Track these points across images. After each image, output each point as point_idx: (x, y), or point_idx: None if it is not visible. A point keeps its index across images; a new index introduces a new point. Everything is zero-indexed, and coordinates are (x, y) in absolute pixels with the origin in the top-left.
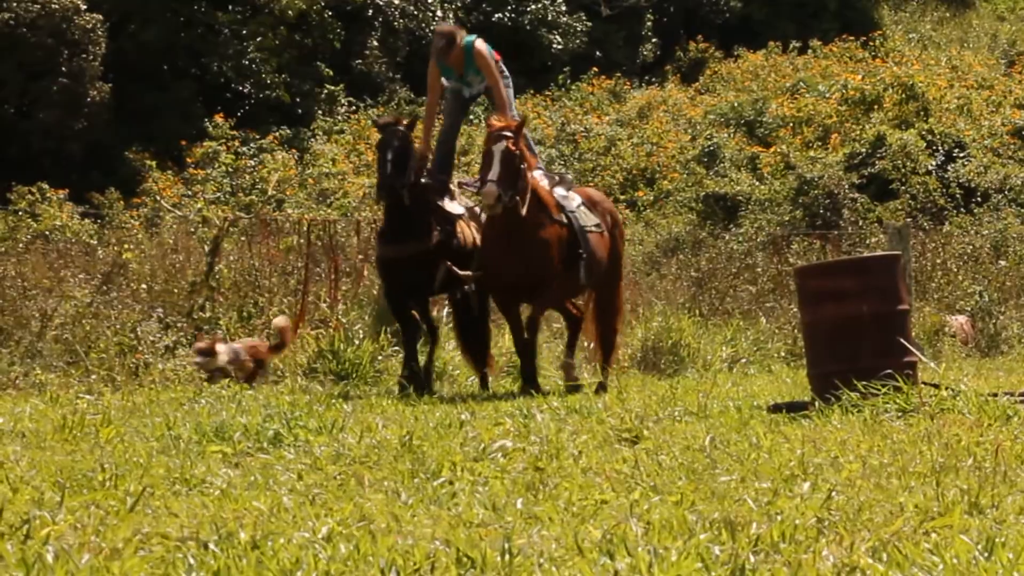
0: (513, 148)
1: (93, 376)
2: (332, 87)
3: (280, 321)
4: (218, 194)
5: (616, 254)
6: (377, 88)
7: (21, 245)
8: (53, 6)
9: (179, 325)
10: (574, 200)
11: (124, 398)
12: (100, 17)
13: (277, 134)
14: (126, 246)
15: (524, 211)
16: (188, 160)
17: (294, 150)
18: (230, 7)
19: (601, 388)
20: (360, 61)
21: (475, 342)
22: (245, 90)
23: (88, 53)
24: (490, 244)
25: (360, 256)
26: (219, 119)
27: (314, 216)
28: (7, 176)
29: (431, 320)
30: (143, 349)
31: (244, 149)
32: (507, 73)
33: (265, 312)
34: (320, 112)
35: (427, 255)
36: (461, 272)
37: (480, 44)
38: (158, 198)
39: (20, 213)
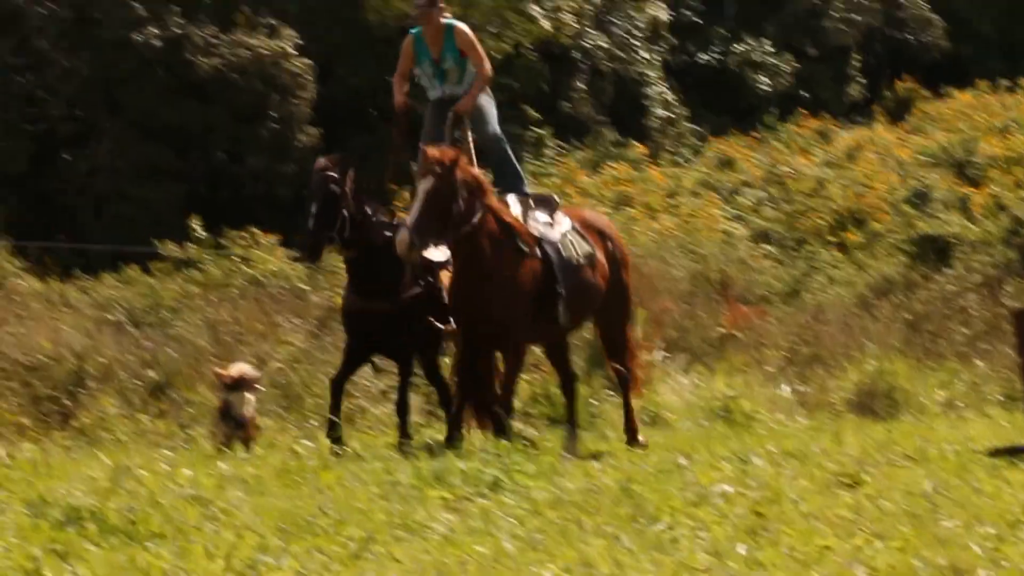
0: (440, 185)
1: (310, 421)
2: (539, 130)
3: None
4: None
5: (620, 286)
6: (584, 130)
7: (235, 290)
8: (262, 51)
9: (392, 370)
10: (560, 226)
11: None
12: (309, 62)
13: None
14: (338, 290)
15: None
16: (396, 204)
17: None
18: None
19: (632, 440)
20: (567, 103)
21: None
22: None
23: (297, 98)
24: (452, 288)
25: None
26: None
27: None
28: (218, 220)
29: (439, 378)
30: (358, 394)
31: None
32: (488, 93)
33: None
34: (527, 155)
35: (400, 311)
36: (444, 327)
37: (463, 25)
38: None
39: (234, 258)
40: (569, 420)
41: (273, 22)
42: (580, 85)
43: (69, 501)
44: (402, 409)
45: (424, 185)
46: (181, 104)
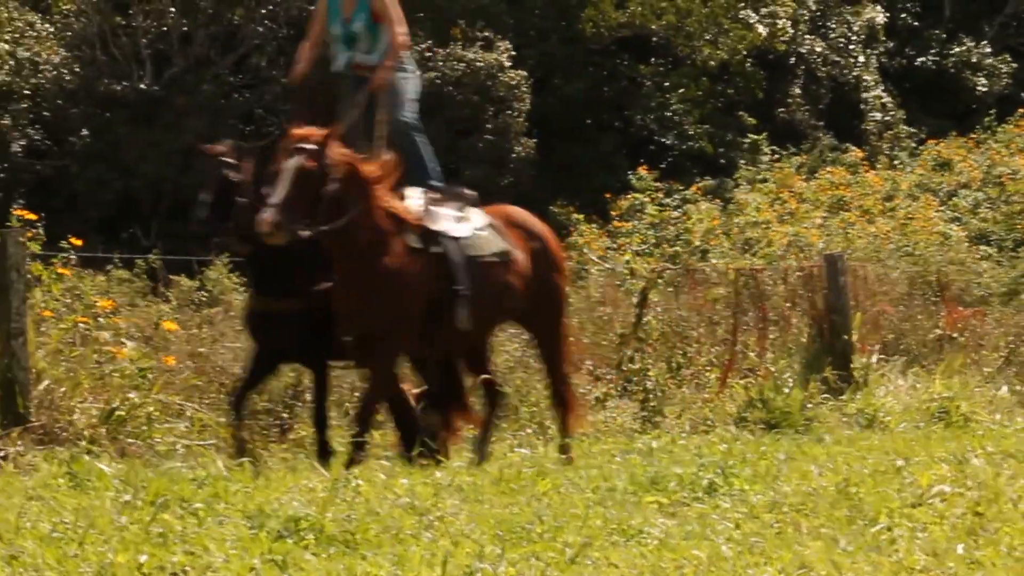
0: (309, 164)
1: (526, 430)
2: (755, 136)
3: None
4: (644, 246)
5: (549, 289)
6: (800, 136)
7: None
8: (478, 64)
9: (608, 377)
10: (471, 222)
11: (557, 450)
12: (524, 74)
13: (700, 184)
14: None
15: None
16: (613, 213)
17: (718, 200)
18: (652, 60)
19: (565, 456)
20: (782, 109)
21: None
22: (668, 142)
23: (513, 109)
24: (333, 290)
25: (788, 304)
26: (643, 171)
27: (740, 265)
28: None
29: (323, 396)
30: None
31: (668, 200)
32: (408, 65)
33: (694, 362)
34: (743, 161)
35: (311, 312)
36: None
37: None
38: (585, 251)
39: None
40: (484, 431)
41: (488, 35)
42: (796, 90)
43: (288, 512)
44: (320, 423)
45: (290, 163)
46: None
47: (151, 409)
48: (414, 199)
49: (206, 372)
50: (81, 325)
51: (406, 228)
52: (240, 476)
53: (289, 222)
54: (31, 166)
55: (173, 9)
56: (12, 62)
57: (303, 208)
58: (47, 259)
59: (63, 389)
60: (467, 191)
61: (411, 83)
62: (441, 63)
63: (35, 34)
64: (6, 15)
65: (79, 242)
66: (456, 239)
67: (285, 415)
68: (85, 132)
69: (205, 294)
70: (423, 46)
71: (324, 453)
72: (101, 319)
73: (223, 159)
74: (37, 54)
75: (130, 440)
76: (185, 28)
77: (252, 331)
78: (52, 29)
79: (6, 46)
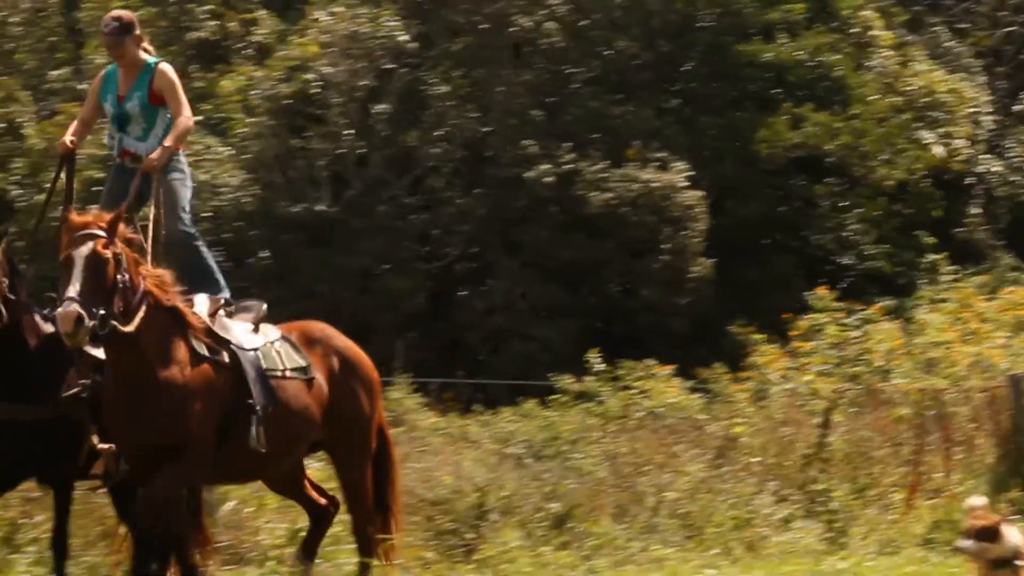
0: (103, 251)
1: (711, 550)
2: (934, 256)
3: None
4: (825, 366)
5: (350, 412)
6: (980, 255)
7: (633, 422)
8: (653, 185)
9: (793, 498)
10: (264, 335)
11: (743, 571)
12: (700, 194)
13: (880, 304)
14: (736, 420)
15: (133, 329)
16: (792, 333)
17: (899, 319)
18: (828, 179)
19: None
20: (961, 229)
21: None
22: (846, 262)
23: (689, 229)
24: (106, 397)
25: (972, 424)
26: (821, 291)
27: (923, 385)
28: (614, 353)
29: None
30: (758, 522)
31: (848, 320)
32: (184, 166)
33: (879, 483)
34: (922, 281)
35: (51, 420)
36: (100, 445)
37: (168, 66)
38: (765, 372)
39: (631, 390)
40: (305, 551)
41: (663, 155)
42: (974, 210)
43: None
44: (60, 549)
45: (80, 251)
46: (574, 240)
47: (338, 529)
48: (200, 306)
49: None
50: None
51: (192, 333)
52: None
53: (90, 313)
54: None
55: (349, 132)
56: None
57: (100, 301)
58: None
59: (250, 509)
60: (256, 303)
61: (186, 186)
62: (616, 183)
63: (214, 157)
64: (193, 140)
65: None
66: (248, 350)
67: (471, 535)
68: (264, 253)
69: (389, 414)
70: (599, 165)
71: None
72: None
73: None
74: (216, 176)
75: (319, 561)
76: (361, 151)
77: None
78: (230, 152)
79: (193, 170)
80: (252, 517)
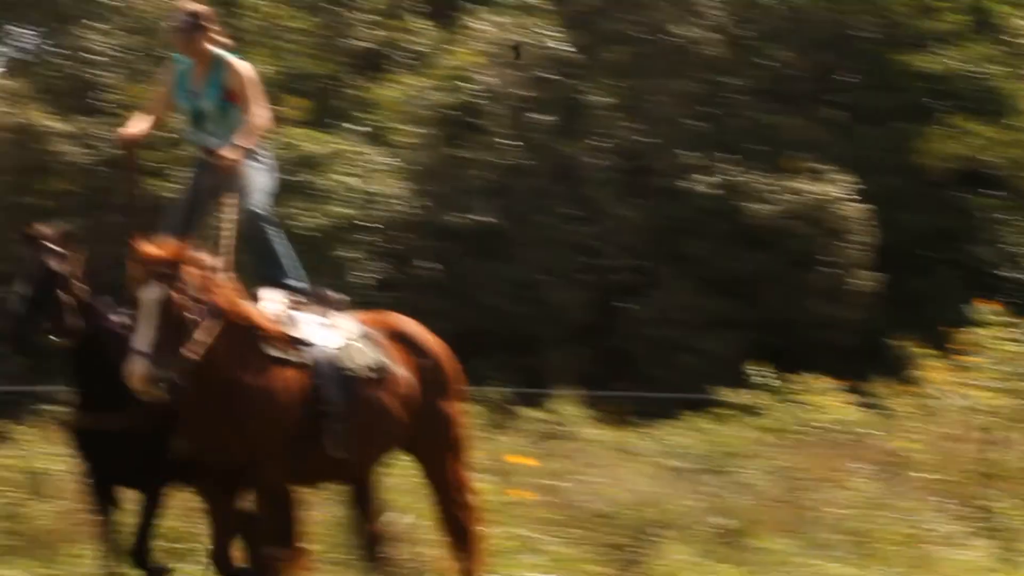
0: (174, 295)
1: (882, 567)
2: None
3: None
4: (994, 381)
5: (438, 412)
6: None
7: (798, 436)
8: (816, 197)
9: (964, 514)
10: (342, 330)
11: None
12: (864, 206)
13: None
14: (903, 435)
15: (202, 356)
16: (956, 347)
17: None
18: (992, 192)
19: None
20: None
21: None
22: (1010, 275)
23: (853, 242)
24: (185, 405)
25: None
26: (988, 305)
27: None
28: (777, 366)
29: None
30: (928, 538)
31: (1015, 334)
32: (266, 157)
33: None
34: None
35: (143, 427)
36: (181, 450)
37: (243, 62)
38: (931, 386)
39: (795, 404)
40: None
41: (825, 167)
42: None
43: None
44: (141, 555)
45: (149, 294)
46: (737, 252)
47: (513, 543)
48: (271, 301)
49: (560, 506)
50: None
51: (265, 337)
52: None
53: (162, 367)
54: (382, 299)
55: (510, 142)
56: (357, 195)
57: (172, 348)
58: None
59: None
60: (335, 294)
61: (265, 174)
62: (779, 196)
63: (378, 167)
64: (356, 150)
65: None
66: (322, 348)
67: (636, 550)
68: (428, 264)
69: (553, 427)
70: (759, 178)
71: None
72: None
73: (46, 245)
74: (370, 184)
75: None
76: (522, 161)
77: (78, 450)
78: (394, 162)
79: (358, 181)
80: (421, 531)
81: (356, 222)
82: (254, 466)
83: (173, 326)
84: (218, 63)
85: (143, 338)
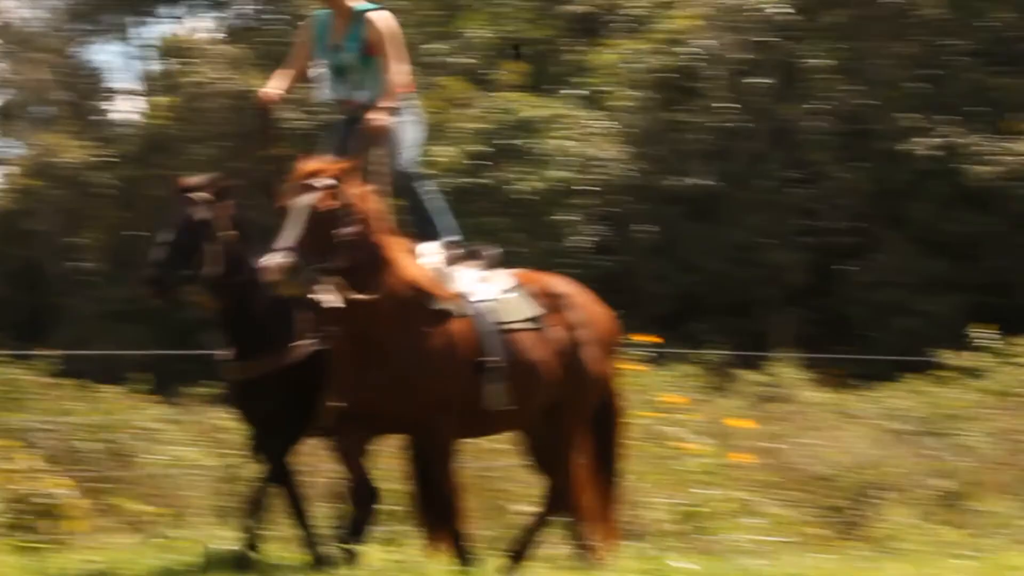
0: (327, 206)
1: None
2: None
3: None
4: None
5: (579, 369)
6: None
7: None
8: None
9: None
10: (496, 283)
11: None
12: None
13: None
14: None
15: (370, 297)
16: None
17: None
18: None
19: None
20: None
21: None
22: None
23: None
24: (337, 356)
25: None
26: None
27: None
28: (1000, 328)
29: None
30: None
31: None
32: (414, 110)
33: None
34: None
35: (287, 375)
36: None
37: (383, 14)
38: None
39: (1020, 365)
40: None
41: None
42: None
43: None
44: (301, 515)
45: (302, 201)
46: (957, 214)
47: (732, 506)
48: (429, 256)
49: (779, 469)
50: (647, 420)
51: (425, 290)
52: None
53: (300, 266)
54: (600, 262)
55: (728, 105)
56: (574, 159)
57: (317, 253)
58: None
59: (644, 485)
60: (489, 248)
61: (411, 129)
62: (995, 156)
63: (596, 131)
64: (574, 114)
65: (653, 338)
66: (479, 300)
67: (856, 512)
68: (648, 228)
69: (772, 389)
70: (981, 138)
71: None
72: (668, 415)
73: (193, 194)
74: (600, 151)
75: (706, 537)
76: (741, 124)
77: (234, 404)
78: (612, 126)
79: (575, 144)
80: (644, 493)
81: (573, 186)
82: (423, 423)
83: (321, 232)
84: (358, 17)
85: (287, 236)
